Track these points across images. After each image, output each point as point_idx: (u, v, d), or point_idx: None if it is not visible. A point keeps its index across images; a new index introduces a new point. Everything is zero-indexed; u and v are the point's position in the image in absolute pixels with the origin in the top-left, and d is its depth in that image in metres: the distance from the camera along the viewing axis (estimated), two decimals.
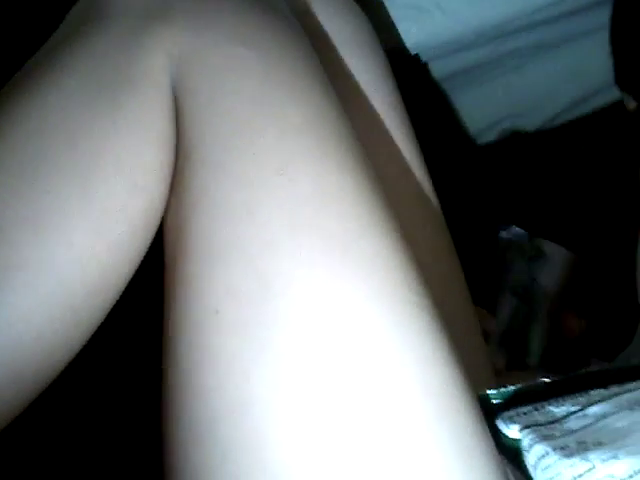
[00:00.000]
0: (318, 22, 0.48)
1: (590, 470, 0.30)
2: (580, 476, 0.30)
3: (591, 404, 0.34)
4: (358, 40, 0.50)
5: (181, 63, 0.37)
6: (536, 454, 0.32)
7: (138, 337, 0.53)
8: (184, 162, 0.36)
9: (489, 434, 0.32)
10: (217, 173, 0.34)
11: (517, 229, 0.59)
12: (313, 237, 0.32)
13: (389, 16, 0.60)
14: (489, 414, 0.37)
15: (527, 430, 0.34)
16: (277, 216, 0.32)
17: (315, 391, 0.30)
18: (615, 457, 0.30)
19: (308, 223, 0.32)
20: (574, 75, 0.71)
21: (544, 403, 0.35)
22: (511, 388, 0.37)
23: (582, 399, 0.35)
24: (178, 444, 0.31)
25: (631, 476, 0.29)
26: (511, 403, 0.37)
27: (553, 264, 0.58)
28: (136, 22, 0.37)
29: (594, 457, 0.30)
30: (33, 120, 0.35)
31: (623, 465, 0.30)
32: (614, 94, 0.71)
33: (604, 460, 0.30)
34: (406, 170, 0.49)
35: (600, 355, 0.55)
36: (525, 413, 0.35)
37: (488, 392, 0.38)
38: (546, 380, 0.37)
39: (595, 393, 0.35)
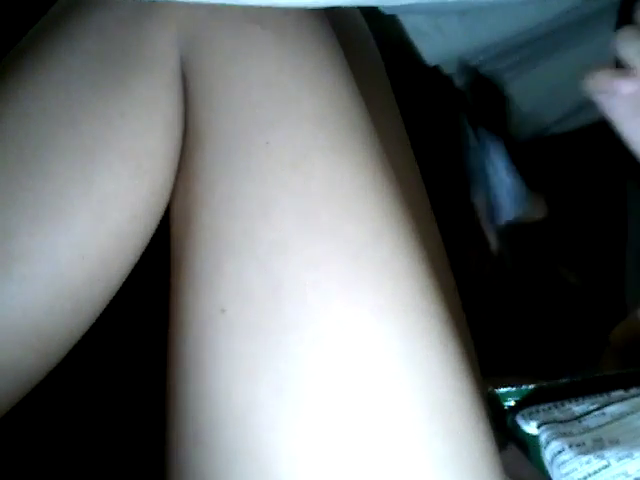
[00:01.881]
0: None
1: (605, 467, 0.31)
2: (595, 473, 0.31)
3: (610, 404, 0.34)
4: (358, 45, 0.47)
5: (192, 41, 0.34)
6: (552, 450, 0.33)
7: (143, 333, 0.52)
8: (193, 148, 0.34)
9: (496, 448, 0.32)
10: (229, 164, 0.32)
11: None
12: (327, 239, 0.30)
13: (395, 33, 0.59)
14: (505, 411, 0.38)
15: (545, 426, 0.34)
16: (290, 214, 0.31)
17: (319, 400, 0.28)
18: (630, 456, 0.30)
19: (322, 224, 0.30)
20: (567, 87, 0.68)
21: (564, 401, 0.36)
22: (530, 386, 0.38)
23: (601, 399, 0.35)
24: (181, 446, 0.30)
25: None
26: (530, 401, 0.37)
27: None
28: None
29: (610, 455, 0.31)
30: (34, 100, 0.33)
31: (637, 464, 0.30)
32: None
33: (620, 458, 0.31)
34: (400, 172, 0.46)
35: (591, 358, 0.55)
36: (545, 410, 0.36)
37: (506, 390, 0.38)
38: (565, 380, 0.38)
39: (615, 394, 0.35)
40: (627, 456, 0.31)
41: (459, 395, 0.30)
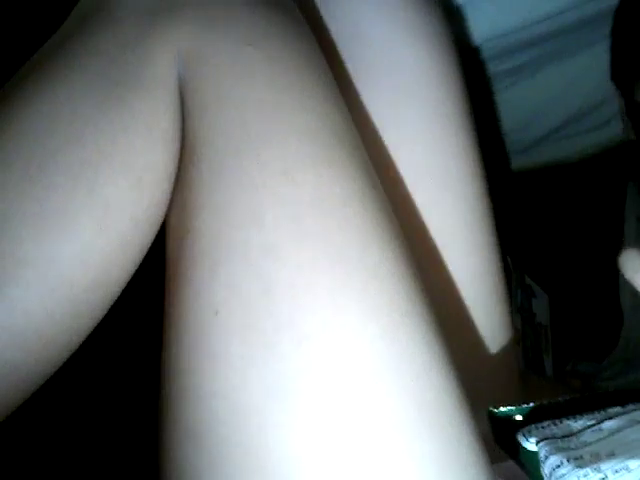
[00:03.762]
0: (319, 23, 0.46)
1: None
2: None
3: (606, 419, 0.35)
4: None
5: (188, 61, 0.36)
6: (551, 464, 0.34)
7: (139, 336, 0.53)
8: (189, 162, 0.36)
9: (484, 447, 0.33)
10: (222, 177, 0.34)
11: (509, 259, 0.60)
12: (315, 244, 0.32)
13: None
14: (511, 429, 0.39)
15: (544, 442, 0.35)
16: (281, 221, 0.32)
17: (309, 398, 0.30)
18: (626, 468, 0.31)
19: (311, 230, 0.32)
20: (568, 92, 0.70)
21: (563, 418, 0.37)
22: (531, 405, 0.39)
23: (599, 415, 0.36)
24: (175, 446, 0.31)
25: None
26: (531, 419, 0.38)
27: (542, 304, 0.60)
28: (144, 18, 0.37)
29: (606, 468, 0.32)
30: (41, 116, 0.35)
31: (633, 476, 0.31)
32: (608, 112, 0.71)
33: (616, 471, 0.31)
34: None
35: (588, 357, 0.55)
36: (543, 427, 0.36)
37: (506, 409, 0.39)
38: (565, 398, 0.38)
39: (612, 411, 0.36)
40: (623, 468, 0.31)
41: (445, 394, 0.31)
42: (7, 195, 0.33)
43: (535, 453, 0.36)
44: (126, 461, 0.51)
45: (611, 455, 0.32)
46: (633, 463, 0.31)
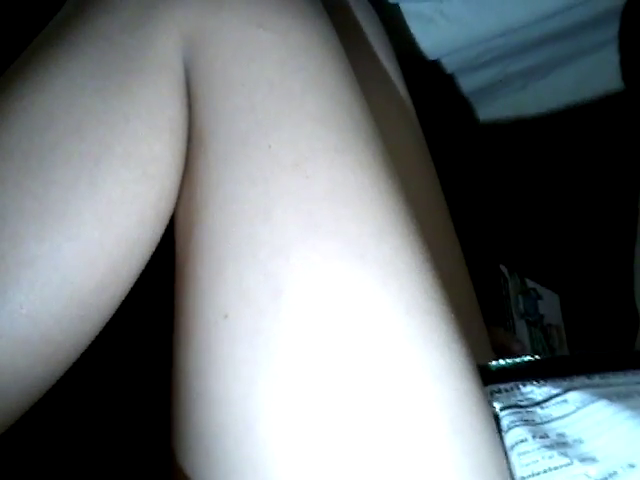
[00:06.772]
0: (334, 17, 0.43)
1: (567, 465, 0.31)
2: (556, 469, 0.32)
3: (571, 389, 0.34)
4: (371, 39, 0.48)
5: (194, 44, 0.35)
6: (514, 437, 0.33)
7: (148, 338, 0.52)
8: (196, 153, 0.34)
9: (502, 450, 0.33)
10: (231, 168, 0.32)
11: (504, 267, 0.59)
12: (329, 241, 0.30)
13: (399, 22, 0.59)
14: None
15: (508, 411, 0.34)
16: (292, 217, 0.31)
17: (323, 407, 0.28)
18: (593, 459, 0.31)
19: (324, 225, 0.30)
20: (580, 93, 0.70)
21: (526, 382, 0.36)
22: (500, 363, 0.38)
23: (564, 383, 0.35)
24: (183, 452, 0.31)
25: (605, 478, 0.30)
26: (497, 379, 0.37)
27: (550, 305, 0.59)
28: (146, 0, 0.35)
29: (573, 454, 0.31)
30: (38, 108, 0.33)
31: (599, 467, 0.31)
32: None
33: (583, 460, 0.31)
34: (415, 173, 0.47)
35: None
36: (507, 390, 0.36)
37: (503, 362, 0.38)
38: (531, 358, 0.37)
39: (578, 380, 0.35)
40: (590, 459, 0.31)
41: (464, 396, 0.30)
42: (5, 192, 0.31)
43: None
44: (135, 466, 0.50)
45: (579, 441, 0.32)
46: (599, 453, 0.31)
